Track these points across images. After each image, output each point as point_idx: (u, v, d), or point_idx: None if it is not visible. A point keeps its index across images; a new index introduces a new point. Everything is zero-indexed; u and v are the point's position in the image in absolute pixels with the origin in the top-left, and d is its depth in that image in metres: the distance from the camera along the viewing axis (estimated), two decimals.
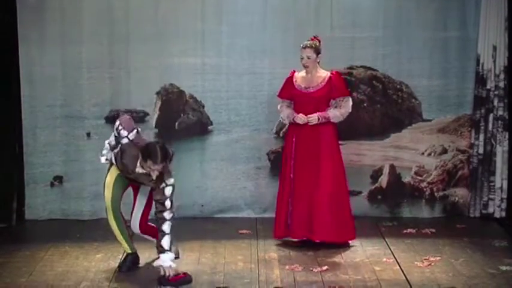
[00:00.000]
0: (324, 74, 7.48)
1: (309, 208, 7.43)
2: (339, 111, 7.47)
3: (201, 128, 8.48)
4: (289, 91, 7.55)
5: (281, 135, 8.47)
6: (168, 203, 6.53)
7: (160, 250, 6.51)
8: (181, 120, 8.43)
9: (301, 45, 7.43)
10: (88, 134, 8.41)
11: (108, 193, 6.80)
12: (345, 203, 7.54)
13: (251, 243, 7.64)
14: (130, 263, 6.90)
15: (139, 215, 6.92)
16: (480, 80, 8.38)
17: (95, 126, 8.37)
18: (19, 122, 8.32)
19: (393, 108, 8.55)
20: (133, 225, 6.94)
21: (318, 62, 7.47)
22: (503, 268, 6.93)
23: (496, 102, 8.38)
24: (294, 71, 7.58)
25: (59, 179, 8.45)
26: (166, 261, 6.50)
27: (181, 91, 8.39)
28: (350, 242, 7.55)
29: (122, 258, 6.99)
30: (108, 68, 8.28)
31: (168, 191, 6.53)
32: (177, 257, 6.89)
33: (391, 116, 8.56)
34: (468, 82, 8.45)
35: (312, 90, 7.46)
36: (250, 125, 8.48)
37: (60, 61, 8.30)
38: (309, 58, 7.41)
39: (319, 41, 7.47)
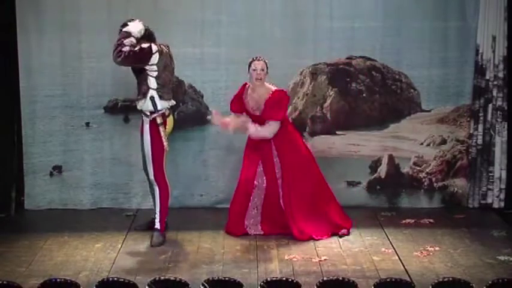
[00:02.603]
0: (268, 92, 7.41)
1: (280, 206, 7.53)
2: (258, 130, 7.38)
3: (200, 117, 8.47)
4: (239, 106, 7.54)
5: None
6: (137, 48, 7.05)
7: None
8: (180, 109, 8.42)
9: (253, 58, 7.41)
10: (87, 124, 8.41)
11: None
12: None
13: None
14: (143, 224, 7.63)
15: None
16: (479, 70, 8.37)
17: (94, 116, 8.38)
18: (18, 111, 8.32)
19: (392, 98, 8.55)
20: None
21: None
22: (502, 258, 6.95)
23: (495, 93, 8.38)
24: (246, 84, 7.53)
25: (58, 168, 8.45)
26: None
27: (180, 81, 8.38)
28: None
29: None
30: (107, 58, 8.22)
31: (145, 44, 7.10)
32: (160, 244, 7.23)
33: (390, 106, 8.56)
34: (467, 72, 8.43)
35: (257, 114, 7.45)
36: None
37: (59, 50, 8.30)
38: (262, 70, 7.38)
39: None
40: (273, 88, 7.45)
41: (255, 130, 7.40)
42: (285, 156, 7.48)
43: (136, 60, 7.11)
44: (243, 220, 7.58)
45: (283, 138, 7.48)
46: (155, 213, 7.38)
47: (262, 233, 7.58)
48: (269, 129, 7.42)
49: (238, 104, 7.56)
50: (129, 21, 7.22)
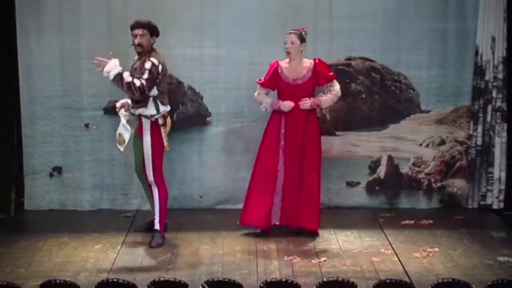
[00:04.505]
0: (308, 63, 7.54)
1: (298, 197, 7.51)
2: (329, 96, 7.60)
3: (200, 119, 8.47)
4: (274, 82, 7.58)
5: None
6: (146, 74, 7.00)
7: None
8: (179, 111, 8.42)
9: (287, 32, 7.48)
10: (87, 125, 8.42)
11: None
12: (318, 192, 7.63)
13: (249, 234, 7.64)
14: (143, 225, 7.65)
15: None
16: (479, 71, 8.37)
17: (94, 117, 8.38)
18: (18, 112, 8.32)
19: (391, 99, 8.55)
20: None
21: (302, 52, 7.50)
22: (501, 259, 6.95)
23: (494, 93, 8.38)
24: (277, 61, 7.58)
25: (57, 169, 8.45)
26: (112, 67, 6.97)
27: (179, 82, 8.39)
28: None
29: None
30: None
31: (148, 64, 7.04)
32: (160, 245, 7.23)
33: (390, 107, 8.56)
34: (467, 73, 8.44)
35: (300, 82, 7.51)
36: (249, 115, 8.46)
37: (58, 52, 8.30)
38: (292, 43, 7.43)
39: (305, 32, 7.52)
40: (311, 60, 7.53)
41: (325, 99, 7.59)
42: (316, 143, 7.56)
43: (154, 81, 7.09)
44: (269, 210, 7.56)
45: (317, 123, 7.65)
46: (154, 214, 7.38)
47: (278, 222, 7.60)
48: (335, 88, 7.62)
49: (272, 80, 7.56)
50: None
